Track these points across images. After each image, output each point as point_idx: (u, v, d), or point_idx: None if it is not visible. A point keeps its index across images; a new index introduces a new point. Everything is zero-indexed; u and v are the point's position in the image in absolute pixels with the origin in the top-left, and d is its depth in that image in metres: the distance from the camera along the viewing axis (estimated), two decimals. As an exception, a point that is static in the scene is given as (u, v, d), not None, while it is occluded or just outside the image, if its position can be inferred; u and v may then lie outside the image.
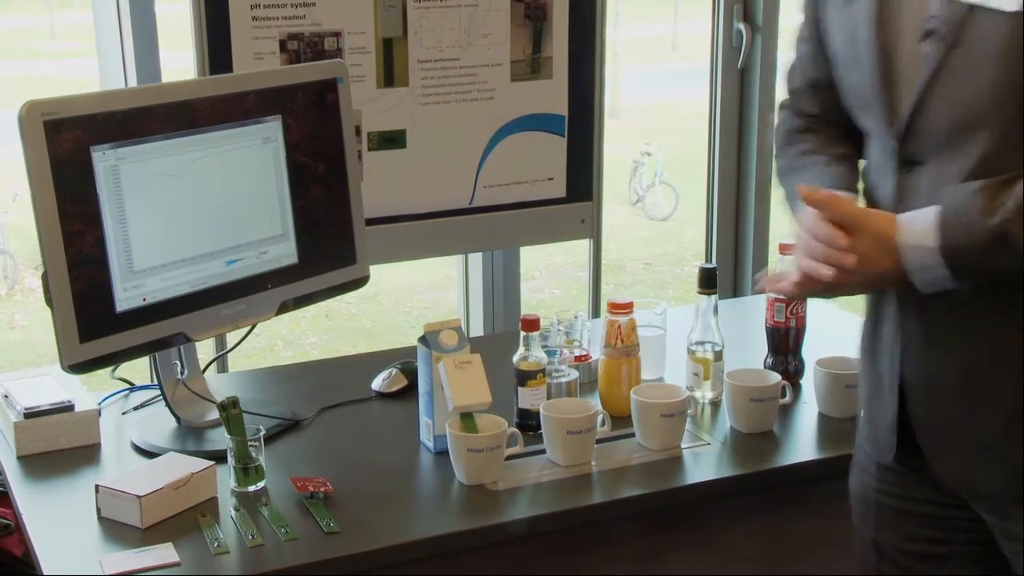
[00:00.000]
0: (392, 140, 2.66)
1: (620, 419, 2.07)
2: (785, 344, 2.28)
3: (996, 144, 1.47)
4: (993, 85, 1.45)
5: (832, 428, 2.13)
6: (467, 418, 1.91)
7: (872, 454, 1.74)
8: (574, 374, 2.16)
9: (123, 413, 2.19)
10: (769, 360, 2.30)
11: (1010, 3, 1.41)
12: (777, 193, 1.88)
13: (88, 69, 2.77)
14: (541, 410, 1.98)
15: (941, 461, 1.61)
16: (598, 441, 2.00)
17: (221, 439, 1.92)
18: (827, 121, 1.79)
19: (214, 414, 2.02)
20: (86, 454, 2.03)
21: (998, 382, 1.52)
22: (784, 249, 2.26)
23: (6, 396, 2.09)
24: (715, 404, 2.19)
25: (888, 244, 1.51)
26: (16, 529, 2.16)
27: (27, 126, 1.79)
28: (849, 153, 1.75)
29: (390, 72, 2.62)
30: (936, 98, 1.51)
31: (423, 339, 1.99)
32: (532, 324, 2.05)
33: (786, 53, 1.93)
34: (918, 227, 1.49)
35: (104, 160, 1.87)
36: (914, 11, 1.54)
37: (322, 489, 1.85)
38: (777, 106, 1.92)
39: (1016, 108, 1.44)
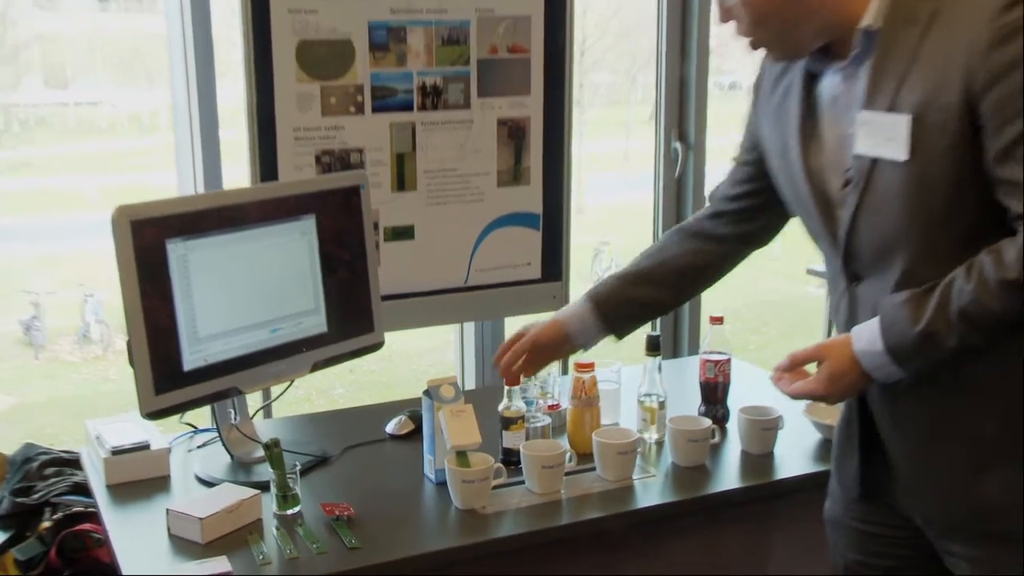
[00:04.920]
0: (403, 233, 2.67)
1: (584, 456, 2.06)
2: (715, 395, 2.28)
3: (913, 261, 1.47)
4: (900, 217, 1.46)
5: (752, 462, 2.12)
6: (462, 455, 1.91)
7: (841, 492, 1.75)
8: (547, 420, 2.15)
9: (188, 451, 2.18)
10: (702, 408, 2.30)
11: (901, 154, 1.43)
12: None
13: (168, 180, 2.79)
14: (521, 449, 1.98)
15: (900, 500, 1.63)
16: (567, 474, 1.99)
17: (266, 472, 1.90)
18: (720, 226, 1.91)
19: (260, 452, 2.02)
20: (159, 484, 2.02)
21: (941, 448, 1.53)
22: (714, 320, 2.28)
23: (98, 437, 2.08)
24: (660, 443, 2.19)
25: (848, 357, 1.52)
26: (106, 542, 2.14)
27: (117, 225, 1.80)
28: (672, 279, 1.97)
29: (402, 179, 2.64)
30: (862, 229, 1.52)
31: (427, 392, 1.99)
32: (513, 380, 2.05)
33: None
34: (867, 336, 1.50)
35: (176, 250, 1.88)
36: (836, 163, 1.56)
37: (346, 513, 1.84)
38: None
39: (923, 233, 1.45)
